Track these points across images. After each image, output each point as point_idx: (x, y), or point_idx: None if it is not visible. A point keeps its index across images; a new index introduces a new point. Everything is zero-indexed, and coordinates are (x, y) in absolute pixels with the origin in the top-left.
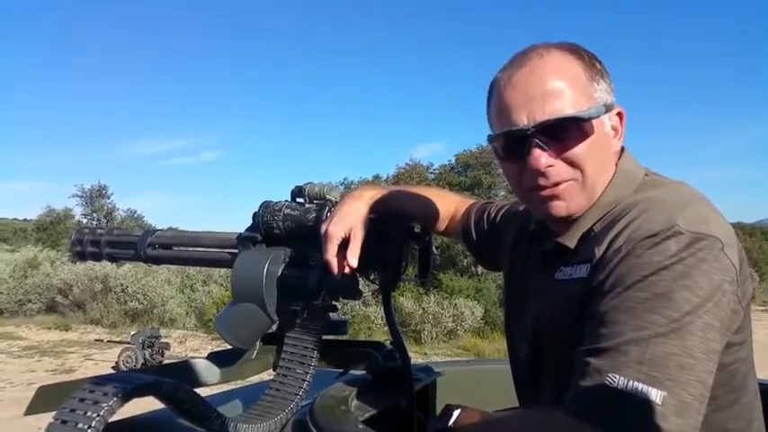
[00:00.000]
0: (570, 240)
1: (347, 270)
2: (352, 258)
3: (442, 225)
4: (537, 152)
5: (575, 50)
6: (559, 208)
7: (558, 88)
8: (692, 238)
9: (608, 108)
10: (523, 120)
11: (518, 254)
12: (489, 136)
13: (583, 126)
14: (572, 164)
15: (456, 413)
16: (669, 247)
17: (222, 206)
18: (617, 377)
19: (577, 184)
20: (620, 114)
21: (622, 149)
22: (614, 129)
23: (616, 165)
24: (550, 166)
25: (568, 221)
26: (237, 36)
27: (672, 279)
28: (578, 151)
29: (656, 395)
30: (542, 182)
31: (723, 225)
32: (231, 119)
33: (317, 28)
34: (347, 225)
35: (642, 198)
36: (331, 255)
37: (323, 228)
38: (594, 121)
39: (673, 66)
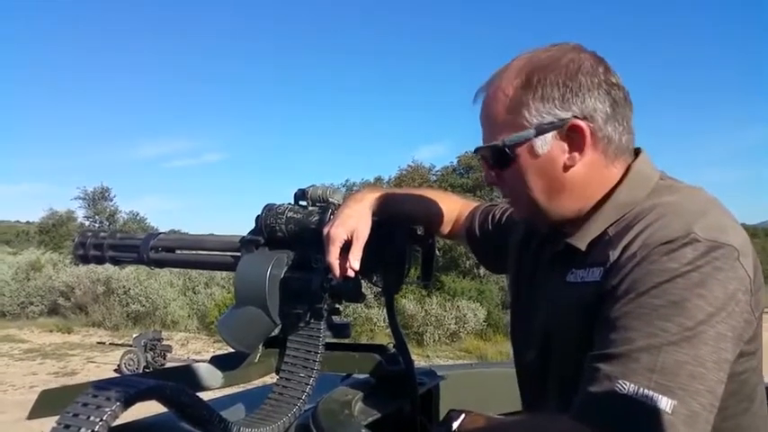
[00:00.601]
0: (581, 242)
1: (350, 273)
2: (355, 261)
3: (445, 228)
4: (485, 169)
5: (522, 69)
6: (521, 216)
7: (490, 119)
8: (708, 246)
9: (542, 130)
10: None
11: (526, 256)
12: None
13: (505, 153)
14: (510, 186)
15: (460, 418)
16: (685, 255)
17: (225, 208)
18: (627, 384)
19: (521, 202)
20: (574, 128)
21: (638, 151)
22: (571, 144)
23: (629, 166)
24: (494, 183)
25: (578, 222)
26: (240, 37)
27: (686, 287)
28: (507, 175)
29: (666, 404)
30: (501, 192)
31: (739, 233)
32: (233, 121)
33: (318, 29)
34: (349, 228)
35: (659, 203)
36: (333, 257)
37: (325, 231)
38: (520, 148)
39: (675, 67)
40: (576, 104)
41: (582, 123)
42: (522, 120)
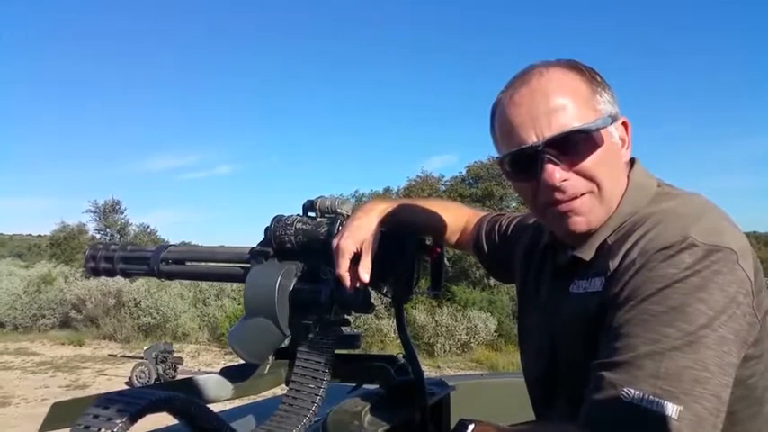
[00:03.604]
0: (586, 253)
1: (359, 284)
2: (364, 273)
3: (453, 237)
4: (550, 167)
5: (573, 66)
6: (579, 223)
7: (562, 104)
8: (706, 250)
9: (613, 119)
10: (532, 137)
11: (531, 267)
12: (498, 157)
13: (592, 138)
14: (586, 176)
15: (470, 427)
16: (683, 260)
17: (236, 221)
18: (632, 391)
19: (594, 197)
20: (625, 124)
21: (633, 161)
22: (621, 139)
23: (628, 176)
24: (565, 180)
25: (584, 234)
26: (250, 50)
27: (686, 292)
28: (591, 163)
29: (671, 409)
30: (558, 196)
31: (737, 236)
32: (245, 133)
33: (326, 41)
34: (358, 239)
35: (656, 210)
36: (343, 269)
37: (334, 243)
38: (602, 132)
39: (689, 74)
40: (616, 105)
41: (627, 121)
42: (599, 105)
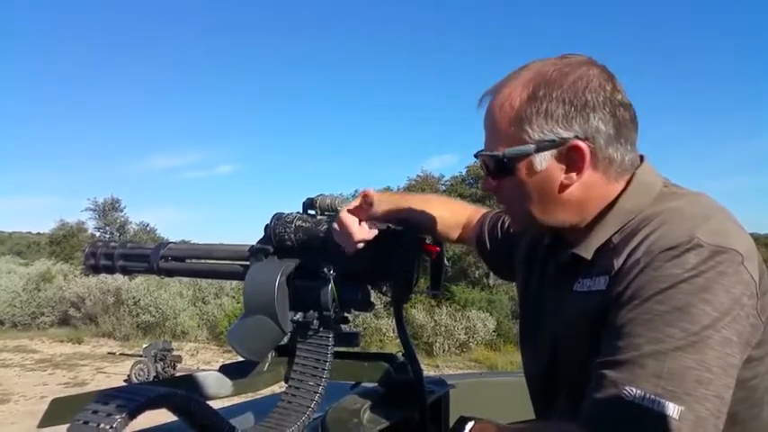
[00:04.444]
0: (586, 251)
1: (365, 237)
2: (366, 233)
3: (454, 233)
4: (484, 176)
5: (530, 82)
6: (516, 226)
7: (494, 127)
8: (711, 251)
9: (542, 147)
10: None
11: (533, 265)
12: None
13: (502, 163)
14: (503, 195)
15: (470, 425)
16: (689, 260)
17: (236, 219)
18: (634, 390)
19: (515, 213)
20: (575, 148)
21: (642, 159)
22: (569, 164)
23: (633, 174)
24: (491, 190)
25: (582, 231)
26: (251, 50)
27: (691, 292)
28: (504, 186)
29: (673, 409)
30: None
31: (743, 238)
32: (246, 132)
33: (326, 41)
34: (356, 202)
35: (662, 209)
36: (356, 235)
37: (337, 218)
38: (519, 162)
39: (690, 75)
40: (579, 124)
41: (582, 144)
42: (524, 134)
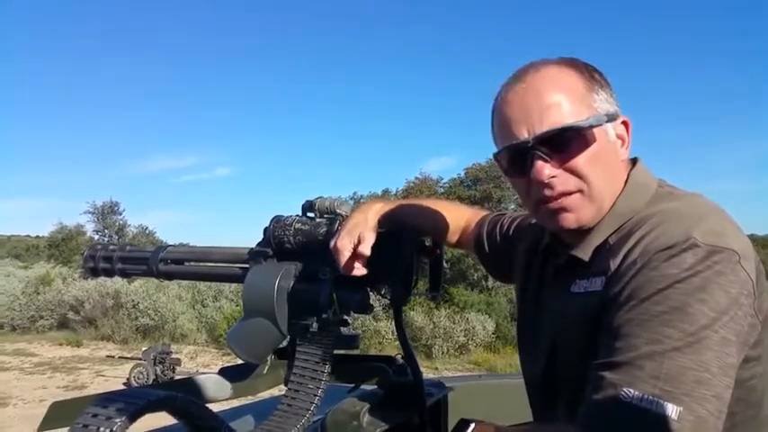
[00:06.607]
0: (584, 253)
1: (358, 273)
2: (361, 269)
3: (453, 237)
4: (539, 164)
5: (571, 63)
6: (568, 220)
7: (556, 100)
8: (708, 250)
9: (610, 117)
10: (524, 133)
11: (532, 267)
12: (494, 153)
13: (583, 135)
14: (576, 174)
15: (471, 427)
16: (685, 260)
17: (234, 221)
18: (632, 391)
19: (584, 195)
20: (625, 123)
21: (635, 160)
22: (620, 138)
23: (629, 175)
24: (554, 176)
25: (581, 233)
26: (248, 52)
27: (688, 292)
28: (581, 161)
29: (672, 410)
30: (548, 193)
31: (740, 237)
32: (244, 135)
33: (325, 43)
34: (354, 236)
35: (658, 210)
36: (347, 268)
37: (332, 243)
38: (596, 130)
39: (690, 77)
40: (617, 104)
41: (628, 120)
42: (595, 103)
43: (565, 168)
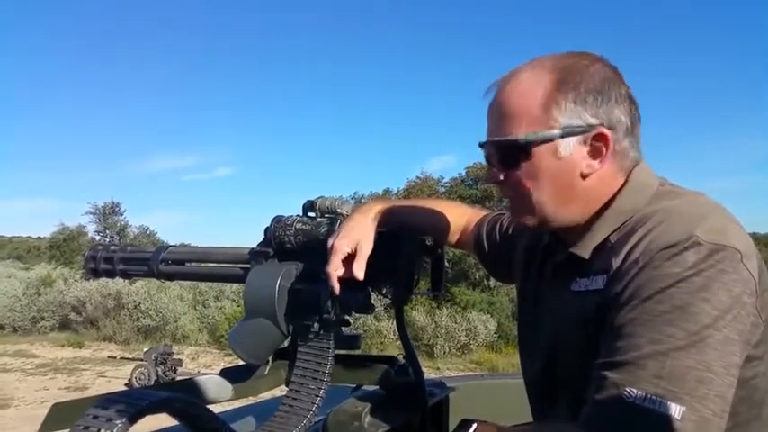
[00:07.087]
0: (584, 251)
1: (357, 276)
2: (359, 272)
3: (453, 237)
4: (490, 167)
5: (552, 68)
6: (522, 221)
7: (511, 111)
8: (710, 249)
9: (571, 132)
10: (485, 136)
11: (532, 266)
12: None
13: (522, 150)
14: (513, 184)
15: (473, 427)
16: (687, 259)
17: (235, 221)
18: (635, 391)
19: (526, 205)
20: (600, 136)
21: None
22: (594, 151)
23: (629, 174)
24: (500, 181)
25: (580, 231)
26: (250, 52)
27: (690, 291)
28: (519, 173)
29: (675, 410)
30: (505, 193)
31: (742, 236)
32: (245, 135)
33: (325, 42)
34: (353, 239)
35: (660, 208)
36: (333, 268)
37: (330, 243)
38: (540, 147)
39: (690, 76)
40: (605, 113)
41: (607, 132)
42: (552, 119)
43: (506, 177)
